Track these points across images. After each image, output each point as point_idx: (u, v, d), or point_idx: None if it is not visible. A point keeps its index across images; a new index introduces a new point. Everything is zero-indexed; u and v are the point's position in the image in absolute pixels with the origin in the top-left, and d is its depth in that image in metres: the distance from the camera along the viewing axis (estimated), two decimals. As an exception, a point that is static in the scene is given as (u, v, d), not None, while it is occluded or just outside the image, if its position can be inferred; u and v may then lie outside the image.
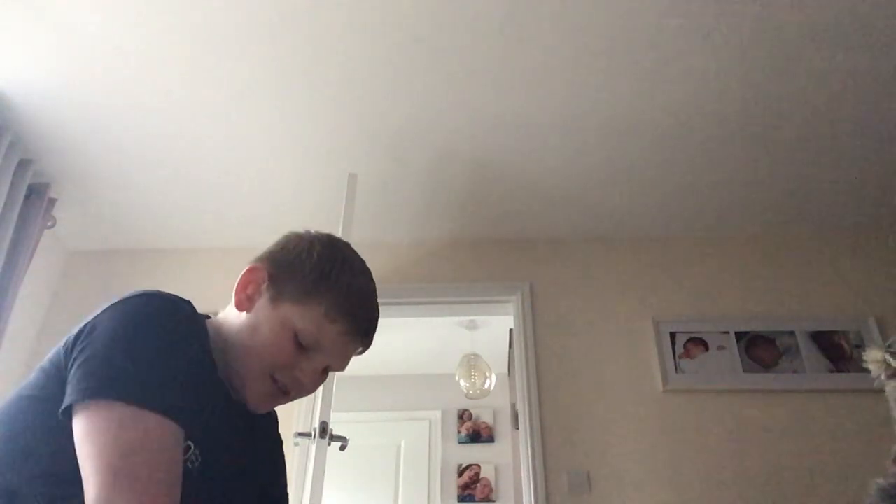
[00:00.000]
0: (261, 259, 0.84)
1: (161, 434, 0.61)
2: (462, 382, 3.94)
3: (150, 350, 0.66)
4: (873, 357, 1.27)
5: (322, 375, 0.82)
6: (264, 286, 0.80)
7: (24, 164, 2.29)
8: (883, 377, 1.25)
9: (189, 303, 0.76)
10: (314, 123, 2.28)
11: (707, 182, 2.56)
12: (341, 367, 0.84)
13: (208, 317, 0.83)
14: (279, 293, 0.79)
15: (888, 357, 1.23)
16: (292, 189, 2.60)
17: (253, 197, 2.63)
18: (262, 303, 0.79)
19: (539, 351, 2.60)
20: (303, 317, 0.77)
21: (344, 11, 1.87)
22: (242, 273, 0.82)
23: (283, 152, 2.42)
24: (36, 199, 2.39)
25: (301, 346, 0.78)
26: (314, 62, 2.04)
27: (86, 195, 2.57)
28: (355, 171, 2.35)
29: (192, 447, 0.67)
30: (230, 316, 0.82)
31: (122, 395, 0.62)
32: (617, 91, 2.13)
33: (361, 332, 0.83)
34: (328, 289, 0.79)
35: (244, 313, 0.80)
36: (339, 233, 2.19)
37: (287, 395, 0.80)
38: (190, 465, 0.67)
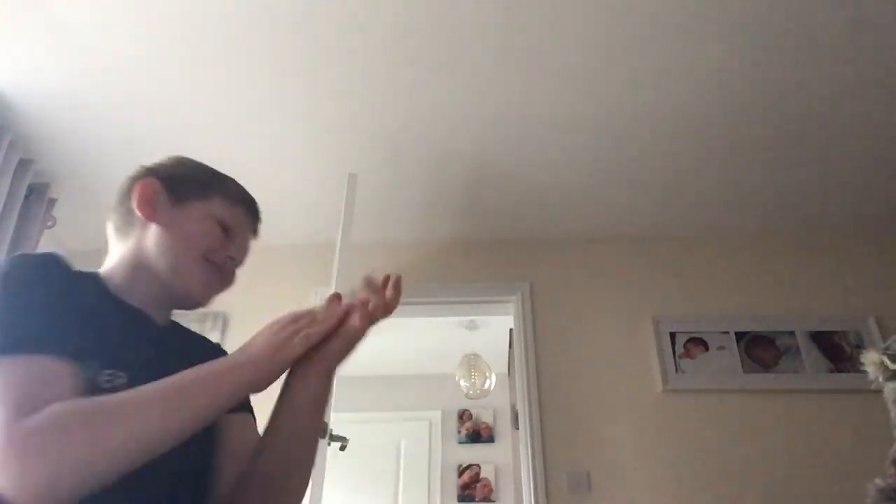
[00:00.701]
0: (143, 175, 0.89)
1: (41, 370, 0.64)
2: (462, 382, 3.94)
3: (18, 303, 0.69)
4: (871, 359, 1.27)
5: (240, 255, 0.92)
6: (162, 195, 0.87)
7: (24, 164, 2.29)
8: (881, 379, 1.25)
9: (51, 254, 0.79)
10: (314, 123, 2.28)
11: (707, 182, 2.56)
12: (245, 251, 0.93)
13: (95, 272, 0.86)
14: (179, 197, 0.87)
15: (885, 359, 1.23)
16: (292, 189, 2.61)
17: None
18: (166, 209, 0.86)
19: (539, 351, 2.61)
20: (215, 207, 0.88)
21: (344, 12, 1.87)
22: (136, 189, 0.86)
23: (283, 152, 2.42)
24: (36, 199, 2.39)
25: (225, 230, 0.88)
26: (314, 62, 2.04)
27: (86, 195, 2.57)
28: (355, 171, 2.35)
29: (107, 370, 0.69)
30: (131, 242, 0.86)
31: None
32: (617, 91, 2.13)
33: (255, 213, 0.95)
34: (219, 184, 0.92)
35: (152, 229, 0.85)
36: (339, 233, 2.18)
37: (224, 275, 0.89)
38: (108, 385, 0.68)
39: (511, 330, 2.95)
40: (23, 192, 2.28)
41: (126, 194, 0.89)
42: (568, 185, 2.59)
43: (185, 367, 0.81)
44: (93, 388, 0.66)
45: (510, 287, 2.78)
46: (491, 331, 3.93)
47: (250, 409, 0.93)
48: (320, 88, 2.14)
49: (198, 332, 0.98)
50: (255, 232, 0.96)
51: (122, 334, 0.78)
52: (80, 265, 0.79)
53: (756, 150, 2.38)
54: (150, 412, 0.63)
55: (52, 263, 0.76)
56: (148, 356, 0.78)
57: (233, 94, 2.15)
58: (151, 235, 0.85)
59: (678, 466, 2.34)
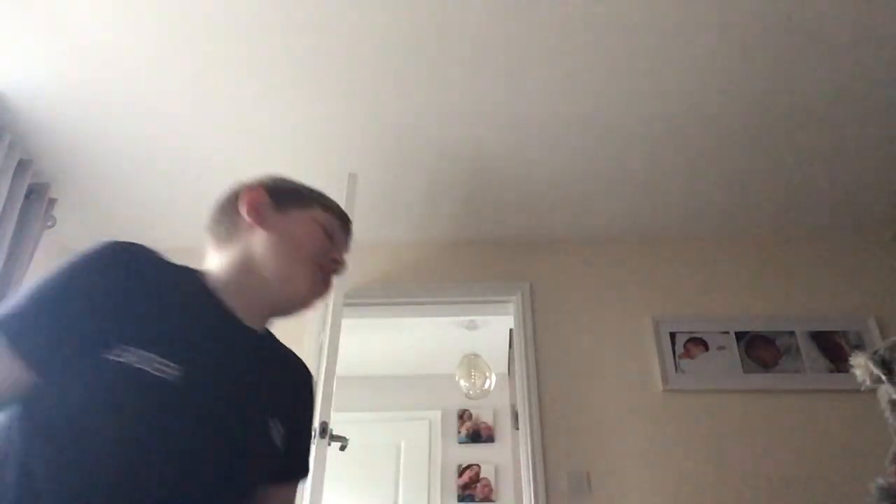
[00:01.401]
0: (250, 185, 0.93)
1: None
2: (462, 382, 3.94)
3: (54, 287, 0.71)
4: (858, 363, 1.28)
5: (343, 262, 0.96)
6: (267, 203, 0.91)
7: (24, 164, 2.29)
8: (868, 382, 1.26)
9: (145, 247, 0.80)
10: (314, 123, 2.28)
11: (707, 182, 2.56)
12: (346, 258, 0.97)
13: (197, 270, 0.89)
14: (282, 205, 0.91)
15: (871, 364, 1.24)
16: (292, 189, 2.60)
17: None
18: (273, 215, 0.90)
19: (539, 351, 2.60)
20: (317, 214, 0.92)
21: (344, 12, 1.87)
22: (243, 197, 0.91)
23: (284, 152, 2.42)
24: (36, 199, 2.39)
25: (328, 235, 0.92)
26: (314, 62, 2.04)
27: (86, 195, 2.57)
28: (355, 171, 2.35)
29: (161, 358, 0.70)
30: (237, 249, 0.88)
31: None
32: (617, 91, 2.13)
33: (349, 221, 0.99)
34: (317, 194, 0.96)
35: (259, 234, 0.88)
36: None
37: (328, 278, 0.93)
38: (160, 375, 0.69)
39: (511, 330, 2.95)
40: (23, 192, 2.28)
41: (230, 203, 0.92)
42: (568, 185, 2.59)
43: (265, 375, 0.85)
44: (141, 374, 0.68)
45: (510, 287, 2.78)
46: (491, 331, 3.93)
47: (304, 475, 0.97)
48: (320, 88, 2.14)
49: None
50: (349, 240, 1.00)
51: (199, 329, 0.79)
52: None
53: (756, 150, 2.38)
54: None
55: (139, 251, 0.78)
56: (222, 356, 0.79)
57: (233, 94, 2.15)
58: (260, 240, 0.88)
59: (678, 466, 2.34)
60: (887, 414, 1.29)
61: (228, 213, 0.92)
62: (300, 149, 2.40)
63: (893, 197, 2.62)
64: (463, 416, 4.56)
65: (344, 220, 0.97)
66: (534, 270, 2.82)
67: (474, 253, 2.89)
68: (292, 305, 0.90)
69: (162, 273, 0.79)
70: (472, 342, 4.02)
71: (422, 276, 2.83)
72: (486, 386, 3.93)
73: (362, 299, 2.71)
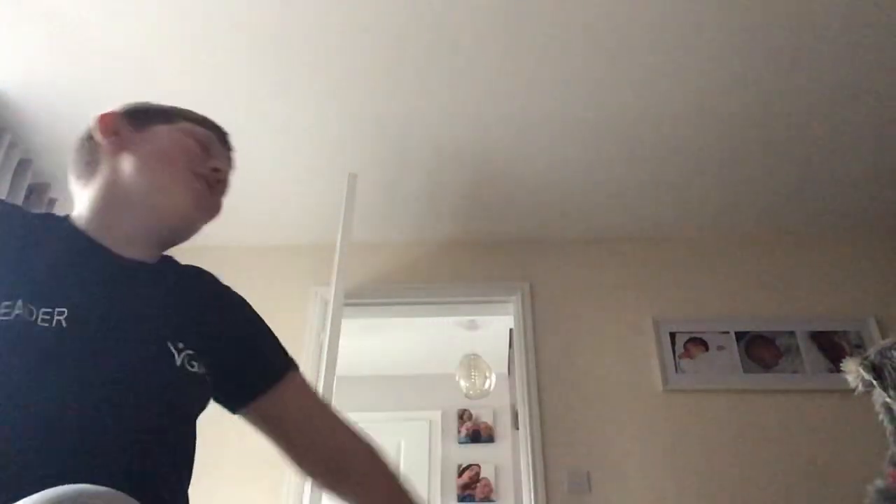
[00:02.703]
0: (106, 112, 0.88)
1: None
2: (462, 382, 3.94)
3: None
4: (849, 368, 1.28)
5: (225, 169, 0.89)
6: (124, 124, 0.85)
7: (24, 164, 2.29)
8: (860, 387, 1.26)
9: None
10: (314, 123, 2.28)
11: (707, 182, 2.56)
12: (229, 165, 0.92)
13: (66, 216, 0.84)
14: (142, 124, 0.85)
15: (861, 370, 1.24)
16: (292, 189, 2.61)
17: (253, 196, 2.63)
18: (134, 135, 0.84)
19: (539, 351, 2.61)
20: (183, 126, 0.86)
21: (344, 12, 1.87)
22: (98, 122, 0.85)
23: (284, 152, 2.42)
24: (36, 199, 2.40)
25: (202, 146, 0.85)
26: (314, 62, 2.04)
27: (86, 195, 2.57)
28: (355, 171, 2.35)
29: (29, 305, 0.65)
30: (100, 179, 0.83)
31: None
32: (617, 91, 2.13)
33: (223, 130, 0.93)
34: (178, 111, 0.90)
35: (123, 157, 0.82)
36: (338, 232, 2.19)
37: (212, 190, 0.86)
38: (33, 322, 0.64)
39: (511, 330, 2.95)
40: (23, 192, 2.28)
41: (86, 136, 0.87)
42: (568, 185, 2.59)
43: (155, 301, 0.77)
44: (14, 325, 0.63)
45: (510, 287, 2.78)
46: (491, 331, 3.93)
47: (286, 369, 0.89)
48: (320, 89, 2.14)
49: None
50: (230, 148, 0.93)
51: (64, 270, 0.72)
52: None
53: (756, 150, 2.38)
54: None
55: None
56: (93, 293, 0.72)
57: (233, 94, 2.15)
58: (124, 163, 0.81)
59: (678, 466, 2.34)
60: (882, 417, 1.29)
61: (87, 146, 0.86)
62: (300, 149, 2.40)
63: (893, 197, 2.62)
64: (463, 416, 4.56)
65: (219, 132, 0.91)
66: (534, 270, 2.82)
67: (474, 253, 2.89)
68: (176, 223, 0.82)
69: (24, 224, 0.74)
70: (472, 342, 4.02)
71: (422, 276, 2.83)
72: (486, 386, 3.93)
73: (362, 299, 2.71)
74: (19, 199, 2.26)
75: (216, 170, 0.86)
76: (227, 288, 0.93)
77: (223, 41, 1.96)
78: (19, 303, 0.64)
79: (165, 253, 0.88)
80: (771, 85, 2.10)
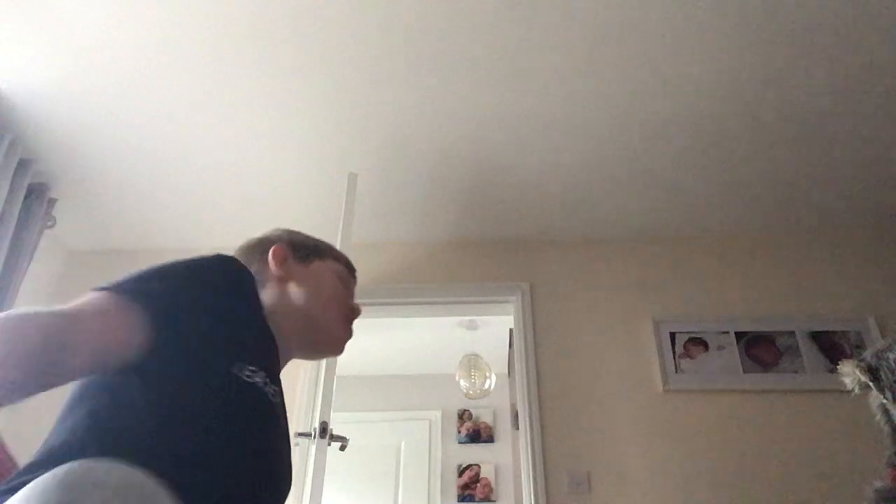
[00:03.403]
0: (273, 241, 1.02)
1: (116, 310, 0.68)
2: (462, 382, 3.94)
3: (179, 275, 0.76)
4: (845, 370, 1.27)
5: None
6: (290, 254, 0.99)
7: (24, 164, 2.29)
8: (857, 390, 1.26)
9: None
10: (314, 123, 2.28)
11: (707, 182, 2.56)
12: (353, 297, 1.06)
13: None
14: (304, 258, 1.00)
15: (857, 372, 1.23)
16: (292, 189, 2.61)
17: (253, 196, 2.63)
18: (297, 268, 0.98)
19: (539, 351, 2.60)
20: (333, 266, 1.02)
21: (344, 12, 1.87)
22: (273, 252, 0.98)
23: (284, 152, 2.42)
24: (36, 199, 2.39)
25: (343, 284, 1.02)
26: (314, 62, 2.04)
27: (86, 195, 2.57)
28: (355, 171, 2.35)
29: (254, 368, 0.75)
30: (270, 294, 0.94)
31: (113, 288, 0.71)
32: (617, 91, 2.13)
33: (354, 269, 1.09)
34: (328, 247, 1.06)
35: (291, 286, 0.96)
36: (338, 232, 2.18)
37: (351, 321, 1.03)
38: (248, 379, 0.73)
39: (511, 330, 2.95)
40: (23, 192, 2.28)
41: (255, 252, 1.00)
42: (568, 185, 2.59)
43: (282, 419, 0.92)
44: (232, 378, 0.72)
45: (510, 287, 2.78)
46: (491, 331, 3.93)
47: None
48: (320, 89, 2.14)
49: None
50: (356, 281, 1.10)
51: (270, 358, 0.85)
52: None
53: (756, 150, 2.38)
54: None
55: (251, 277, 0.86)
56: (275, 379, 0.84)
57: (233, 94, 2.15)
58: (292, 290, 0.95)
59: (678, 466, 2.33)
60: (878, 418, 1.29)
61: (254, 262, 0.98)
62: (301, 149, 2.40)
63: (893, 197, 2.62)
64: (463, 416, 4.56)
65: (351, 269, 1.07)
66: (534, 270, 2.82)
67: (474, 253, 2.89)
68: (325, 350, 1.01)
69: (259, 301, 0.87)
70: (472, 342, 4.02)
71: (422, 276, 2.83)
72: (486, 386, 3.93)
73: (362, 299, 2.68)
74: (19, 199, 2.26)
75: (353, 308, 1.03)
76: None
77: (223, 41, 1.96)
78: (262, 372, 0.76)
79: None
80: (771, 85, 2.10)
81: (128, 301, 0.69)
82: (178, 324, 0.71)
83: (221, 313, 0.76)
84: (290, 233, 1.05)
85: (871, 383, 1.23)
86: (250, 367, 0.74)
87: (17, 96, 2.13)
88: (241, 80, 2.10)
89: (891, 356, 1.23)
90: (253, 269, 0.96)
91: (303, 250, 1.01)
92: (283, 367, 0.94)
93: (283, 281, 0.96)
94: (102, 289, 0.70)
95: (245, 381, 0.72)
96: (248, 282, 0.85)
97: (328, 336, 0.98)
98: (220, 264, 0.82)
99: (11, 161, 2.21)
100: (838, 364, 1.32)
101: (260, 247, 1.00)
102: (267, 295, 0.94)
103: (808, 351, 2.52)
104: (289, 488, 0.89)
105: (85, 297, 0.69)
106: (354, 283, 1.08)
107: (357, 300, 1.08)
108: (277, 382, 0.85)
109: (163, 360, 0.68)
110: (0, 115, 2.16)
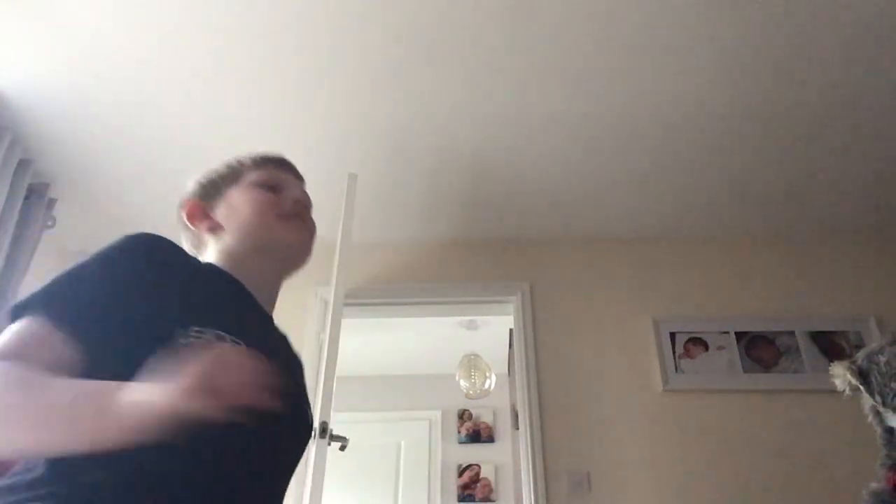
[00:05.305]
0: (181, 204, 0.97)
1: (40, 334, 0.66)
2: (462, 382, 3.94)
3: (90, 276, 0.72)
4: (836, 372, 1.27)
5: (303, 197, 0.98)
6: (202, 205, 0.94)
7: (24, 164, 2.29)
8: (848, 391, 1.26)
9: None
10: (314, 123, 2.28)
11: (707, 182, 2.56)
12: (302, 192, 0.99)
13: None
14: (216, 195, 0.95)
15: (848, 374, 1.23)
16: (292, 189, 2.60)
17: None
18: (218, 210, 0.93)
19: (539, 351, 2.60)
20: (249, 179, 0.95)
21: (344, 12, 1.87)
22: (186, 215, 0.94)
23: (283, 152, 2.41)
24: (36, 199, 2.39)
25: (271, 188, 0.94)
26: (314, 62, 2.04)
27: (86, 195, 2.57)
28: (355, 171, 2.35)
29: (199, 328, 0.71)
30: (215, 248, 0.91)
31: (34, 311, 0.67)
32: (617, 91, 2.13)
33: (283, 162, 1.02)
34: (237, 163, 1.00)
35: (222, 235, 0.91)
36: (338, 233, 2.19)
37: (303, 219, 0.95)
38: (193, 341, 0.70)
39: (511, 330, 2.95)
40: (23, 192, 2.28)
41: (182, 224, 0.96)
42: (568, 185, 2.59)
43: (292, 360, 0.93)
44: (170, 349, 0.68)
45: (510, 287, 2.78)
46: (491, 331, 3.93)
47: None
48: (320, 89, 2.14)
49: None
50: (296, 175, 1.02)
51: (241, 313, 0.83)
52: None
53: (756, 150, 2.38)
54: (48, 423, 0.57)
55: (165, 241, 0.81)
56: (265, 341, 0.82)
57: (233, 94, 2.15)
58: (226, 239, 0.91)
59: (678, 466, 2.34)
60: (870, 419, 1.29)
61: (186, 228, 0.95)
62: (300, 149, 2.40)
63: (893, 197, 2.62)
64: (463, 416, 4.56)
65: (276, 162, 1.00)
66: (534, 270, 2.82)
67: (474, 253, 2.89)
68: (290, 258, 0.93)
69: (190, 260, 0.83)
70: (472, 342, 4.02)
71: (422, 276, 2.83)
72: (486, 386, 3.94)
73: (362, 299, 2.71)
74: (19, 199, 2.26)
75: (294, 199, 0.94)
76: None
77: (223, 42, 1.96)
78: (212, 328, 0.72)
79: None
80: (771, 85, 2.10)
81: (44, 321, 0.66)
82: (101, 324, 0.68)
83: (144, 290, 0.72)
84: (198, 179, 0.99)
85: (861, 386, 1.23)
86: (195, 329, 0.70)
87: (18, 96, 2.13)
88: (241, 81, 2.10)
89: (881, 359, 1.22)
90: (189, 238, 0.95)
91: (212, 189, 0.96)
92: (274, 300, 0.94)
93: (213, 230, 0.92)
94: (17, 313, 0.68)
95: (185, 346, 0.68)
96: (162, 248, 0.80)
97: (281, 246, 0.91)
98: (127, 245, 0.78)
99: (11, 161, 2.21)
100: (830, 367, 1.32)
101: (179, 217, 0.97)
102: (212, 251, 0.91)
103: (807, 351, 2.52)
104: (309, 430, 0.88)
105: (6, 332, 0.67)
106: (289, 173, 1.01)
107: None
108: (254, 326, 0.84)
109: (103, 361, 0.66)
110: (0, 115, 2.16)
